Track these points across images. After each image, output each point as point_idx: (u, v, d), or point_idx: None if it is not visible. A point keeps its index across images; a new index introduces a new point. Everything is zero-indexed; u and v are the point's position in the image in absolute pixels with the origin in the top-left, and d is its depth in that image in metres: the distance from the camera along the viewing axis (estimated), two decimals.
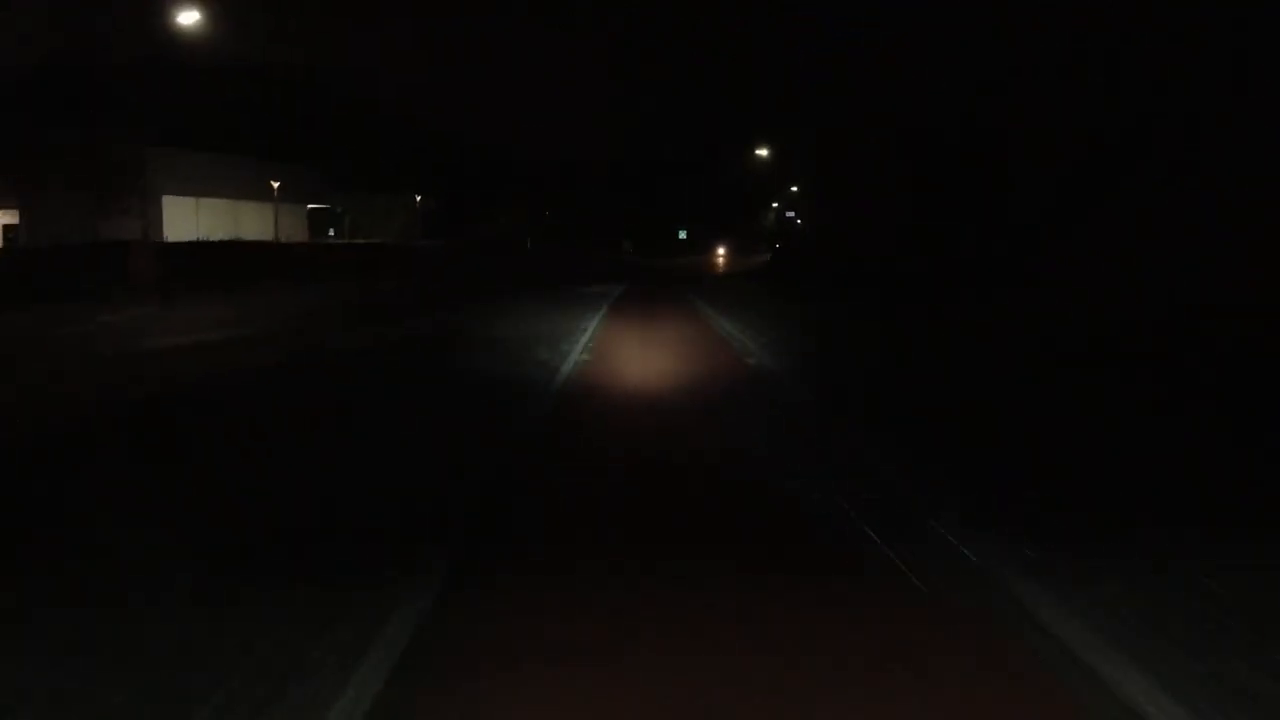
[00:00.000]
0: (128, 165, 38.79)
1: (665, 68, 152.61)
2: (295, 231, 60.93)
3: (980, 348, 13.39)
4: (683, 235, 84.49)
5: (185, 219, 52.53)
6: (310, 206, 64.76)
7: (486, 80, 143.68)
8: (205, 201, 53.94)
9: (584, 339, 14.55)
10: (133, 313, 18.99)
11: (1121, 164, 16.05)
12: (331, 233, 71.06)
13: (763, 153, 49.69)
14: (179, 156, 50.81)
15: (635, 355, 13.33)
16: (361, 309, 21.22)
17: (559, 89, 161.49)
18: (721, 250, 75.75)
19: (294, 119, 72.65)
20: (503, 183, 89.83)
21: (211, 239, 51.30)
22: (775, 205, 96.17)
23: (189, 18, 21.88)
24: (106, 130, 40.93)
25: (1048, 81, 18.66)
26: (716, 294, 26.82)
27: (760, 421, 8.35)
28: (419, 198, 67.04)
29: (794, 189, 79.79)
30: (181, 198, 51.94)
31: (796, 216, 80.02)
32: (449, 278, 33.47)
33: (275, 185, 50.85)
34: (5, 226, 42.94)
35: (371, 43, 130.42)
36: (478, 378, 10.65)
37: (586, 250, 75.44)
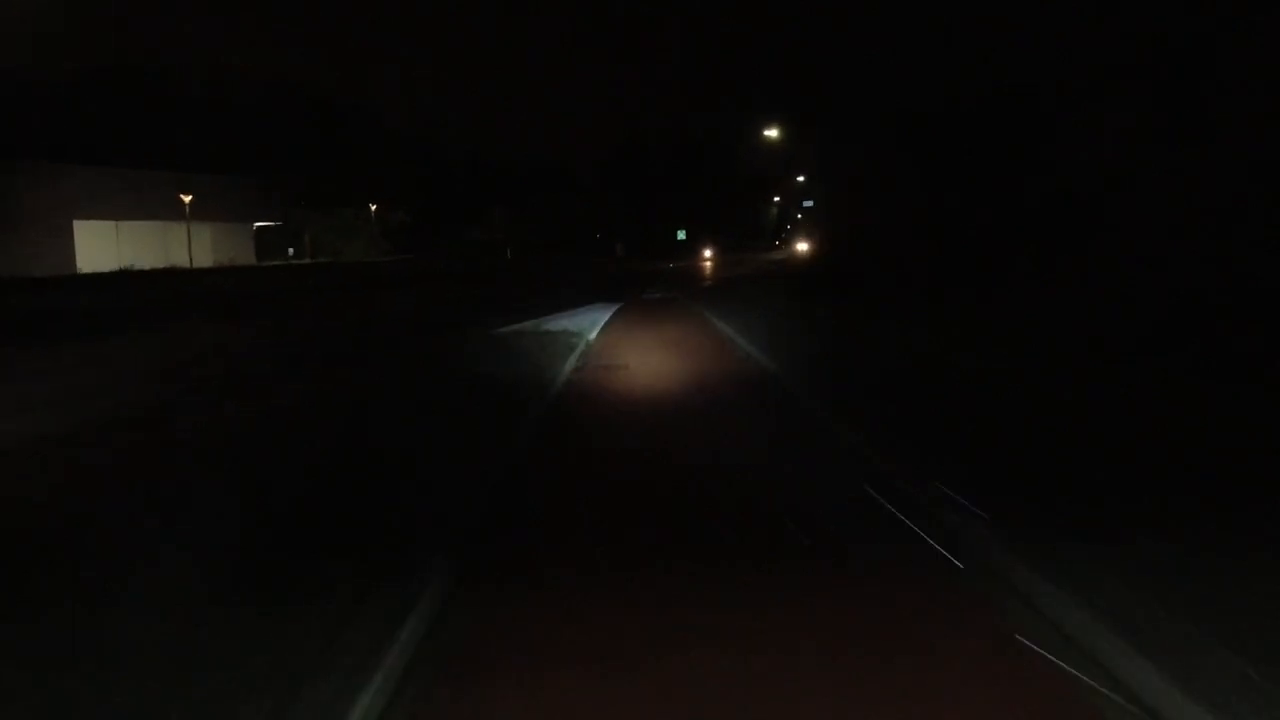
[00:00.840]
0: None
1: (656, 58, 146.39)
2: (239, 253, 53.56)
3: None
4: (682, 236, 77.25)
5: (104, 246, 45.15)
6: (259, 224, 57.35)
7: (467, 80, 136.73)
8: (127, 225, 46.53)
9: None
10: None
11: None
12: (291, 252, 63.73)
13: (773, 133, 42.64)
14: (81, 175, 43.25)
15: None
16: (227, 372, 14.17)
17: (543, 87, 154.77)
18: (708, 252, 68.38)
19: (242, 127, 65.24)
20: (484, 189, 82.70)
21: (137, 267, 44.14)
22: (778, 199, 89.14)
23: None
24: None
25: None
26: (781, 318, 18.31)
27: None
28: (374, 208, 59.43)
29: (800, 179, 72.53)
30: (98, 222, 44.58)
31: (812, 215, 72.69)
32: (378, 312, 25.22)
33: (186, 200, 43.31)
34: None
35: (337, 41, 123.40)
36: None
37: (574, 257, 68.38)
